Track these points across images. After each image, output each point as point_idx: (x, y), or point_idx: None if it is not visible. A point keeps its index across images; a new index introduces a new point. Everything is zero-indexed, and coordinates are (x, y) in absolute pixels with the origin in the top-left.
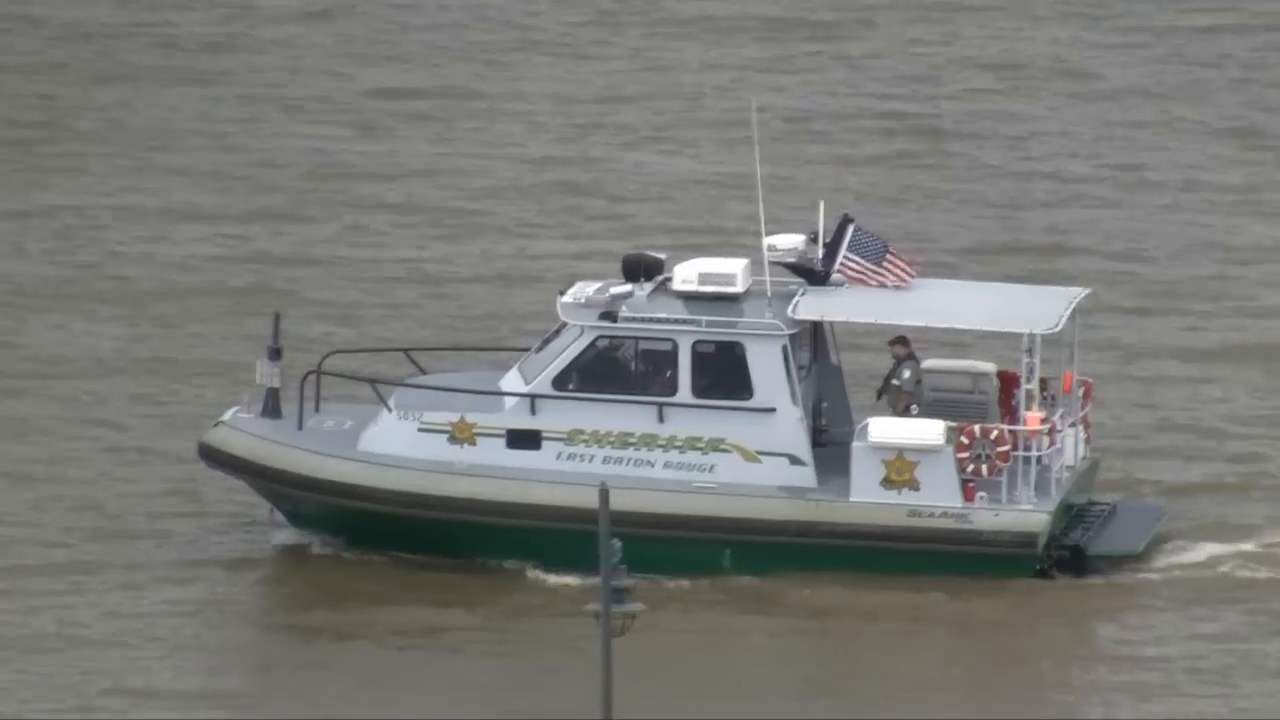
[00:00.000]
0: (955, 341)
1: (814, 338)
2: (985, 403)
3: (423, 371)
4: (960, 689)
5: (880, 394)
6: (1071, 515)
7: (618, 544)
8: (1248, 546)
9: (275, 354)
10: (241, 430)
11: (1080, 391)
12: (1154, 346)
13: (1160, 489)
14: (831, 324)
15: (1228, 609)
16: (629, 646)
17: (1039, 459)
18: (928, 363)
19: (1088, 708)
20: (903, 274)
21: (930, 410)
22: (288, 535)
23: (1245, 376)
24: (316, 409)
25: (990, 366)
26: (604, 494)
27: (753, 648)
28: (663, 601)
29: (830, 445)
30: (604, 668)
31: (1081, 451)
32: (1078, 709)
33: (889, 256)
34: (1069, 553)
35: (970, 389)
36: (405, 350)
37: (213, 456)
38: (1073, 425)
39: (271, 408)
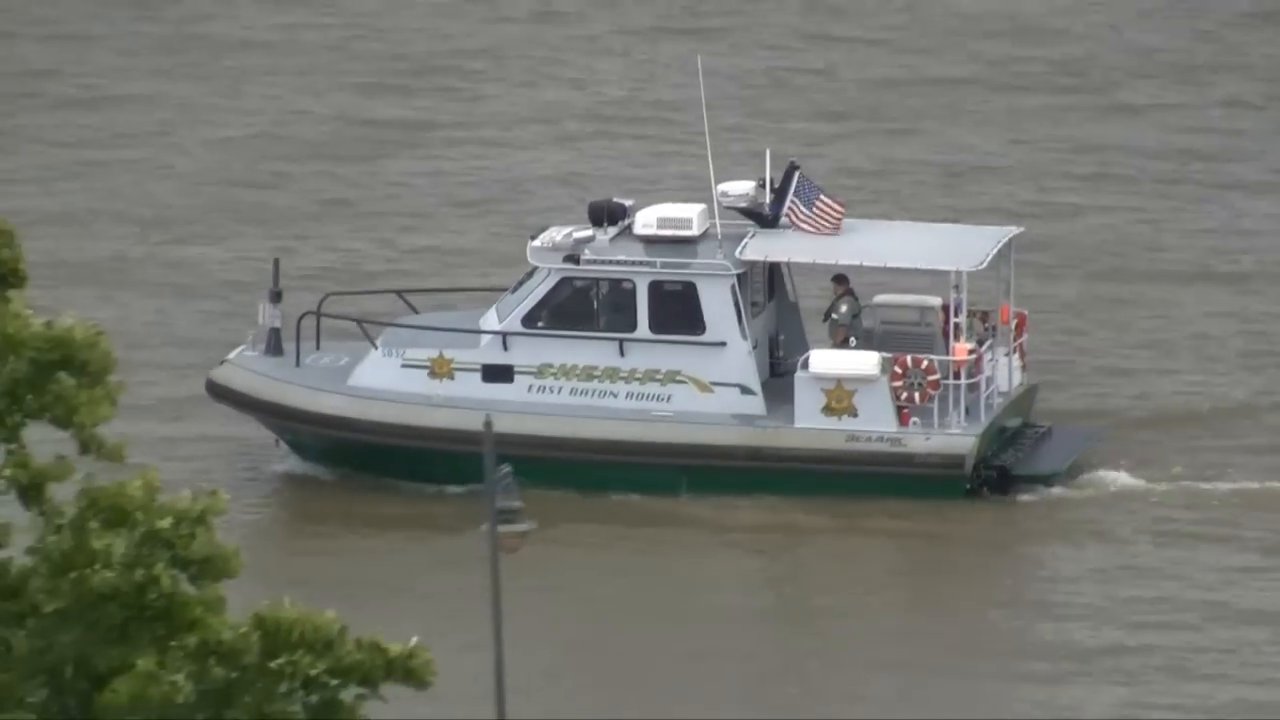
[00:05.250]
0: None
1: (770, 277)
2: (931, 334)
3: (415, 311)
4: (899, 601)
5: (826, 319)
6: (1005, 438)
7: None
8: (1171, 472)
9: (276, 297)
10: (244, 368)
11: (1015, 323)
12: None
13: (1107, 415)
14: (788, 264)
15: (1138, 530)
16: (580, 567)
17: (968, 386)
18: (879, 298)
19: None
20: (830, 216)
21: (881, 341)
22: (291, 464)
23: None
24: (318, 347)
25: (936, 300)
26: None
27: (705, 569)
28: (619, 524)
29: (787, 375)
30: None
31: (1017, 379)
32: (1004, 621)
33: (818, 202)
34: (996, 473)
35: (917, 321)
36: (399, 291)
37: (217, 392)
38: (1007, 355)
39: (274, 346)
